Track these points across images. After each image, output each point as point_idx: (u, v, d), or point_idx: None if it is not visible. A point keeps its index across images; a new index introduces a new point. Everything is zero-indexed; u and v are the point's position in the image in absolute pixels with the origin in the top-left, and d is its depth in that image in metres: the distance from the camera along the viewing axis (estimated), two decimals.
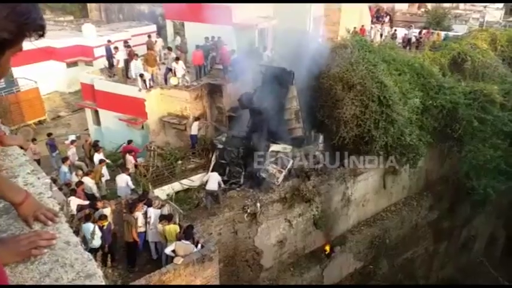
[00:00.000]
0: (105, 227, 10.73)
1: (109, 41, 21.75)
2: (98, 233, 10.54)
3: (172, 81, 18.01)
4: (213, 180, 13.74)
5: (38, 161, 15.82)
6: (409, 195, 20.27)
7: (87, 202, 11.94)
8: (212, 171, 14.97)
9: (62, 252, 1.33)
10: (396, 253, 19.75)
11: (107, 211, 11.30)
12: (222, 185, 14.35)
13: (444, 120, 18.33)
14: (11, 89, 22.79)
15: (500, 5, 37.40)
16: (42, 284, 1.20)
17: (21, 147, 2.08)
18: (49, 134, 17.92)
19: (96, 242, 10.49)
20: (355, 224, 18.29)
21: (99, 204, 11.52)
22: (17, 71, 24.15)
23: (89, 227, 10.53)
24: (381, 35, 27.05)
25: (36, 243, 1.32)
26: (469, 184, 18.48)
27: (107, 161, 14.74)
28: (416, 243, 20.73)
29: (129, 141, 16.52)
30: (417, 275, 21.41)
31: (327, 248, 16.91)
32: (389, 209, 19.45)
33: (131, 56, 18.84)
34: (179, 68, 17.99)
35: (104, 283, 1.23)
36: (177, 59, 18.62)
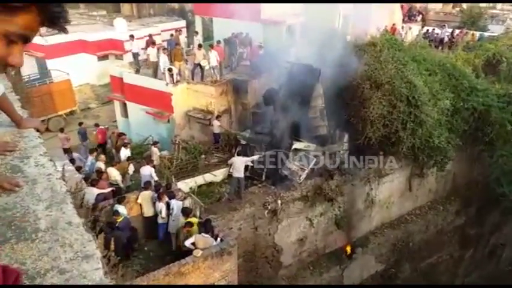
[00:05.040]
0: (118, 224, 10.69)
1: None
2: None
3: (203, 63, 18.13)
4: (238, 167, 13.71)
5: (69, 150, 16.31)
6: (435, 199, 19.75)
7: (108, 190, 12.17)
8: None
9: (63, 232, 1.34)
10: (419, 257, 19.30)
11: (122, 208, 11.28)
12: (251, 164, 14.47)
13: (475, 123, 17.75)
14: (44, 80, 23.55)
15: None
16: (39, 262, 1.21)
17: (37, 130, 2.13)
18: (80, 123, 18.45)
19: None
20: (378, 226, 17.98)
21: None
22: (50, 63, 24.91)
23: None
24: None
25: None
26: (500, 190, 17.83)
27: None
28: (440, 249, 20.19)
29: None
30: (441, 281, 20.86)
31: (348, 248, 16.68)
32: (414, 212, 19.02)
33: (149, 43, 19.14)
34: (212, 56, 18.07)
35: (101, 264, 1.23)
36: (211, 46, 18.97)
